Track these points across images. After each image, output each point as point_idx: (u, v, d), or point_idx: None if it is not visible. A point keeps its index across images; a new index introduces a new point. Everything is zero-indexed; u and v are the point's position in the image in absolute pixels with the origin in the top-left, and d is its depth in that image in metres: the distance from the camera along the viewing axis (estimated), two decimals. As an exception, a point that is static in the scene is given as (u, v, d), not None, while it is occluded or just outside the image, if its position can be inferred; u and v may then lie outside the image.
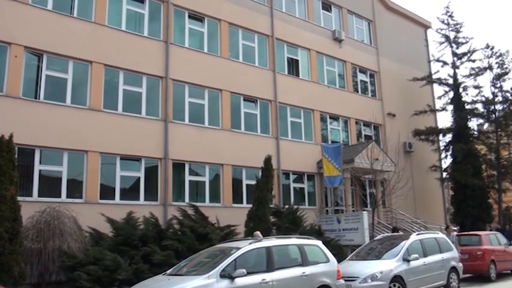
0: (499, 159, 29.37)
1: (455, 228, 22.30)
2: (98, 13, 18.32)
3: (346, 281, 11.55)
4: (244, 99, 22.30)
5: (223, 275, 9.09)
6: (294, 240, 11.53)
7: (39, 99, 16.38)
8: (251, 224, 16.50)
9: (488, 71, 30.17)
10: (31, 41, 16.37)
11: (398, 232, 18.79)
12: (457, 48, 30.84)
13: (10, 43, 15.91)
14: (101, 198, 16.95)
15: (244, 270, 9.23)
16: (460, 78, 30.48)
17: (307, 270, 10.57)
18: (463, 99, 30.21)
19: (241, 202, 20.77)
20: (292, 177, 23.60)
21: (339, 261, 12.34)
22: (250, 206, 17.29)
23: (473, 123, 31.77)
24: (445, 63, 30.87)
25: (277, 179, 21.44)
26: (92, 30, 18.03)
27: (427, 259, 13.59)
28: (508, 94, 30.10)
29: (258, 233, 13.51)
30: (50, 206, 13.92)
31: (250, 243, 10.23)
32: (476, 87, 30.29)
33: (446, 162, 31.02)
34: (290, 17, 25.39)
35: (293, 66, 25.18)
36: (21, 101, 15.80)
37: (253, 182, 18.54)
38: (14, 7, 16.21)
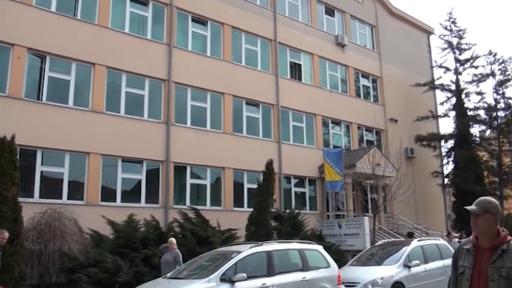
0: (501, 166, 29.36)
1: (456, 235, 22.23)
2: (101, 15, 18.36)
3: (346, 286, 11.53)
4: (247, 103, 22.31)
5: (224, 279, 9.07)
6: (294, 245, 11.51)
7: (41, 100, 16.41)
8: (252, 228, 16.48)
9: (490, 77, 30.22)
10: (34, 43, 16.41)
11: (413, 237, 18.70)
12: (460, 54, 30.93)
13: (13, 44, 15.96)
14: (102, 200, 16.95)
15: (244, 275, 9.21)
16: (462, 85, 30.54)
17: (308, 275, 10.54)
18: (465, 105, 30.24)
19: (242, 206, 20.74)
20: (293, 181, 23.57)
21: (339, 266, 12.32)
22: (251, 210, 17.28)
23: (475, 130, 31.85)
24: (447, 69, 30.91)
25: (278, 183, 21.40)
26: (95, 32, 18.07)
27: (428, 265, 13.54)
28: (511, 101, 30.14)
29: (173, 239, 12.79)
30: (51, 208, 13.92)
31: (250, 247, 10.21)
32: (479, 93, 30.36)
33: (448, 168, 31.03)
34: (293, 21, 25.42)
35: (296, 71, 25.19)
36: (23, 102, 15.83)
37: (255, 186, 18.53)
38: (18, 8, 16.26)
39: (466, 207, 3.49)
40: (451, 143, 30.64)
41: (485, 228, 3.44)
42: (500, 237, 3.43)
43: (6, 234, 10.70)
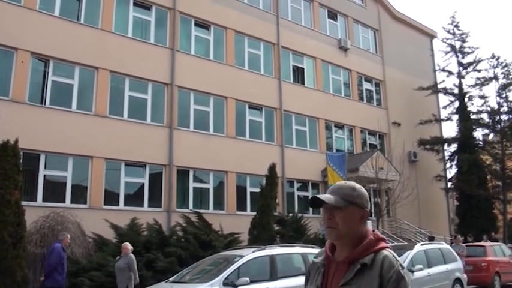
0: (504, 170, 29.27)
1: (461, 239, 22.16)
2: (104, 20, 18.41)
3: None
4: (250, 107, 22.32)
5: (227, 283, 9.05)
6: (297, 249, 11.48)
7: (44, 104, 16.44)
8: (255, 231, 16.46)
9: (493, 81, 30.25)
10: (38, 47, 16.46)
11: (433, 241, 18.66)
12: (463, 58, 30.91)
13: (17, 48, 16.01)
14: (105, 204, 16.96)
15: (247, 279, 9.18)
16: (465, 88, 30.54)
17: (311, 279, 10.48)
18: (468, 109, 30.25)
19: (245, 210, 20.72)
20: (296, 185, 23.55)
21: (342, 270, 12.25)
22: (254, 213, 17.26)
23: (478, 133, 31.88)
24: (450, 72, 30.92)
25: (281, 187, 21.38)
26: (98, 36, 18.12)
27: (432, 270, 13.48)
28: (514, 104, 30.09)
29: (127, 244, 12.05)
30: (54, 211, 13.95)
31: (253, 251, 10.19)
32: (482, 97, 30.37)
33: (451, 172, 31.00)
34: (296, 25, 25.43)
35: (298, 75, 25.20)
36: (27, 106, 15.87)
37: (258, 190, 18.51)
38: (21, 13, 16.31)
39: (317, 195, 2.33)
40: (454, 146, 30.65)
41: (348, 230, 2.28)
42: (364, 242, 2.28)
43: (69, 237, 11.32)
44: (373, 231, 2.38)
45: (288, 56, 24.74)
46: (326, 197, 2.31)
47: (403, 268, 2.24)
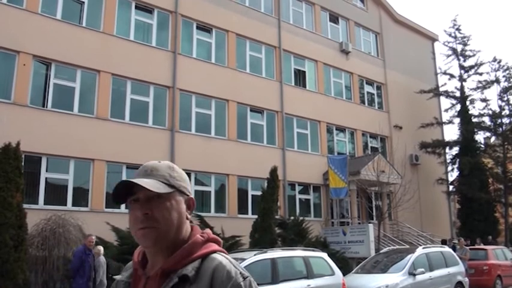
0: (506, 173, 29.22)
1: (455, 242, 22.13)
2: (106, 23, 18.45)
3: (351, 294, 11.44)
4: (251, 110, 22.33)
5: (228, 286, 9.02)
6: (299, 252, 11.46)
7: (46, 107, 16.47)
8: (256, 235, 16.45)
9: (495, 84, 30.21)
10: (40, 50, 16.49)
11: (447, 244, 18.68)
12: (464, 61, 30.92)
13: (19, 51, 16.04)
14: (106, 207, 16.95)
15: (248, 282, 9.15)
16: (467, 91, 30.55)
17: (312, 283, 10.49)
18: (470, 112, 30.23)
19: (247, 213, 20.70)
20: (298, 188, 23.52)
21: (344, 274, 12.25)
22: (256, 216, 17.24)
23: (480, 137, 31.81)
24: (452, 76, 30.90)
25: (282, 190, 21.37)
26: (100, 39, 18.15)
27: (433, 273, 13.47)
28: (515, 107, 30.07)
29: (97, 247, 11.77)
30: (55, 214, 13.92)
31: (255, 255, 10.18)
32: (483, 100, 30.36)
33: (453, 175, 31.00)
34: (297, 28, 25.46)
35: (300, 78, 25.21)
36: (28, 109, 15.90)
37: (259, 193, 18.50)
38: (23, 16, 16.35)
39: (130, 179, 1.63)
40: (455, 149, 30.62)
41: (172, 227, 1.58)
42: (186, 245, 1.59)
43: (93, 238, 11.48)
44: (203, 232, 1.68)
45: (289, 59, 24.76)
46: (144, 181, 1.59)
47: (245, 278, 1.52)
